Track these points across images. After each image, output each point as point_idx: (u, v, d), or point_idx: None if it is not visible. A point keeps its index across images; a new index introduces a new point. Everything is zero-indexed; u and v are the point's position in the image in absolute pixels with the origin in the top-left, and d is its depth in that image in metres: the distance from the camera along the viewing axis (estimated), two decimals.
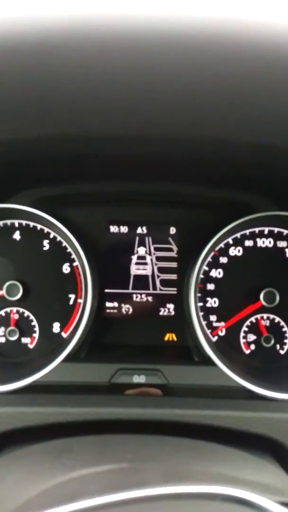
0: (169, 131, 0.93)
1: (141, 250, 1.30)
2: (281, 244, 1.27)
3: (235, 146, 0.98)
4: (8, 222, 1.23)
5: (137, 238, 1.30)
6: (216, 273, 1.26)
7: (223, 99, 0.76)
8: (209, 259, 1.25)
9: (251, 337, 1.26)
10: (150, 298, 1.30)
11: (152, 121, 0.88)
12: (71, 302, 1.24)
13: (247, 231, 1.26)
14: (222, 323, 1.26)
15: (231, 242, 1.26)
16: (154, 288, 1.30)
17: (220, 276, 1.26)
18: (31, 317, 1.23)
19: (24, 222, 1.24)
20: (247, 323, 1.26)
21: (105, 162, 1.13)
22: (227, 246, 1.26)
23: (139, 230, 1.30)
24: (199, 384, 1.09)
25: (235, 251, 1.27)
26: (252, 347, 1.25)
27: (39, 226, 1.24)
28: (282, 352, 1.26)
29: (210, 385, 1.09)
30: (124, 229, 1.30)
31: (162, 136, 0.96)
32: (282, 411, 1.00)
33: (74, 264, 1.23)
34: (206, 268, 1.25)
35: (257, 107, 0.79)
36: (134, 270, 1.30)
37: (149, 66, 0.67)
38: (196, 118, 0.86)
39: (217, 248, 1.25)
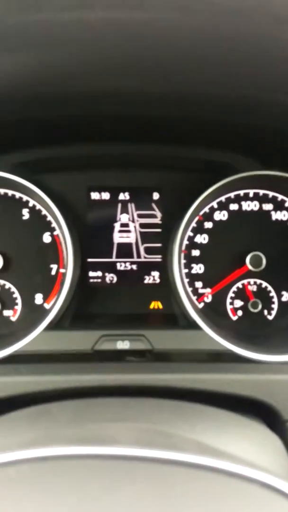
0: (153, 88, 0.89)
1: (124, 217, 1.26)
2: (267, 206, 1.25)
3: (222, 103, 0.95)
4: None
5: (119, 205, 1.26)
6: (201, 238, 1.24)
7: (210, 54, 0.72)
8: (193, 224, 1.22)
9: (238, 303, 1.24)
10: (134, 267, 1.27)
11: (136, 78, 0.84)
12: (53, 272, 1.21)
13: (232, 194, 1.23)
14: (208, 290, 1.23)
15: (215, 206, 1.23)
16: (138, 256, 1.27)
17: (205, 241, 1.24)
18: (13, 289, 1.20)
19: (2, 191, 1.19)
20: (234, 288, 1.24)
21: (84, 124, 1.10)
22: (212, 210, 1.23)
23: (121, 197, 1.26)
24: (184, 348, 1.07)
25: (220, 215, 1.24)
26: (240, 313, 1.24)
27: (17, 195, 1.20)
28: (270, 317, 1.24)
29: (196, 349, 1.07)
30: (105, 195, 1.26)
31: (146, 94, 0.93)
32: (268, 373, 0.99)
33: (55, 233, 1.19)
34: (191, 234, 1.22)
35: (243, 61, 0.76)
36: (117, 238, 1.26)
37: (131, 22, 0.63)
38: (181, 74, 0.82)
39: (201, 213, 1.22)
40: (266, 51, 0.72)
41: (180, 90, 0.90)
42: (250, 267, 1.20)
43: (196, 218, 1.22)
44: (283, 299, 1.25)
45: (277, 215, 1.24)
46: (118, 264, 1.27)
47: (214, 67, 0.78)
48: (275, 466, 0.74)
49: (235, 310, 1.24)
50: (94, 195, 1.26)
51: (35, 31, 0.66)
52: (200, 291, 1.23)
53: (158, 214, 1.27)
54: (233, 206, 1.24)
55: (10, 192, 1.20)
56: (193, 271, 1.24)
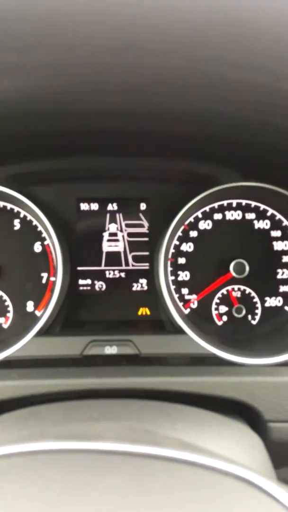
0: (142, 104, 0.94)
1: (112, 227, 1.31)
2: (250, 216, 1.30)
3: (208, 119, 0.99)
4: None
5: (107, 215, 1.31)
6: (187, 247, 1.28)
7: (194, 72, 0.77)
8: (179, 233, 1.27)
9: (223, 309, 1.29)
10: (122, 274, 1.32)
11: (125, 94, 0.88)
12: (44, 280, 1.25)
13: (216, 204, 1.28)
14: (194, 296, 1.28)
15: (200, 215, 1.28)
16: (127, 264, 1.31)
17: (191, 249, 1.28)
18: (5, 297, 1.24)
19: None
20: (219, 294, 1.29)
21: (73, 138, 1.14)
22: (197, 220, 1.28)
23: (109, 207, 1.31)
24: (170, 352, 1.11)
25: (204, 225, 1.29)
26: (225, 318, 1.28)
27: (9, 206, 1.24)
28: (253, 322, 1.29)
29: (181, 353, 1.11)
30: (94, 206, 1.31)
31: (134, 110, 0.97)
32: (250, 375, 1.03)
33: (45, 242, 1.24)
34: (177, 243, 1.27)
35: (230, 79, 0.80)
36: (106, 247, 1.31)
37: (118, 33, 0.67)
38: (166, 91, 0.87)
39: (186, 222, 1.27)
40: (255, 76, 0.76)
41: (168, 108, 0.95)
42: (234, 274, 1.25)
43: (182, 227, 1.26)
44: (266, 304, 1.29)
45: (259, 224, 1.30)
46: (107, 272, 1.31)
47: (201, 86, 0.82)
48: (253, 462, 0.78)
49: (220, 315, 1.28)
50: (83, 206, 1.31)
51: (28, 52, 0.70)
52: (186, 297, 1.28)
53: (145, 223, 1.32)
54: (217, 216, 1.29)
55: (1, 204, 1.24)
56: (180, 278, 1.28)
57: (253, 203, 1.29)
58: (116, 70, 0.77)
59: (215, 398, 1.01)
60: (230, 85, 0.81)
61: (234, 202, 1.29)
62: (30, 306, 1.24)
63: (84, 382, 0.97)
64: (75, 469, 0.53)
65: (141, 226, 1.32)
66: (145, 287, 1.32)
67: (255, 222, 1.30)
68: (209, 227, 1.29)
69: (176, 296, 1.25)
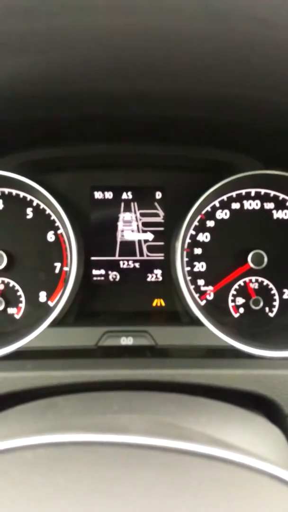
0: (156, 87, 0.91)
1: (127, 216, 1.28)
2: (268, 205, 1.26)
3: (225, 103, 0.96)
4: None
5: (122, 204, 1.28)
6: (203, 237, 1.25)
7: (214, 55, 0.73)
8: (196, 223, 1.23)
9: (240, 300, 1.25)
10: (137, 265, 1.29)
11: (140, 77, 0.85)
12: (57, 270, 1.22)
13: (234, 193, 1.24)
14: (210, 287, 1.25)
15: (217, 205, 1.24)
16: (141, 254, 1.28)
17: (208, 240, 1.25)
18: (17, 287, 1.22)
19: (6, 190, 1.21)
20: (236, 286, 1.25)
21: (88, 124, 1.11)
22: (214, 209, 1.25)
23: (124, 196, 1.28)
24: (187, 344, 1.08)
25: (222, 214, 1.25)
26: (241, 310, 1.25)
27: (22, 194, 1.21)
28: (271, 314, 1.26)
29: (199, 345, 1.08)
30: (108, 195, 1.28)
31: (149, 94, 0.94)
32: (270, 368, 1.00)
33: (59, 232, 1.21)
34: (193, 232, 1.23)
35: (248, 62, 0.77)
36: (120, 236, 1.28)
37: (138, 21, 0.64)
38: (185, 75, 0.84)
39: (203, 212, 1.24)
40: (271, 53, 0.73)
41: (184, 90, 0.92)
42: (251, 265, 1.21)
43: (199, 217, 1.23)
44: (285, 296, 1.26)
45: (278, 214, 1.26)
46: (121, 262, 1.28)
47: (219, 67, 0.79)
48: (277, 457, 0.75)
49: (237, 307, 1.25)
50: (98, 195, 1.28)
51: (40, 35, 0.68)
52: (203, 288, 1.25)
53: (161, 213, 1.29)
54: (235, 205, 1.25)
55: (14, 192, 1.21)
56: (196, 269, 1.25)
57: (272, 192, 1.25)
58: (131, 51, 0.74)
59: (233, 391, 0.98)
60: (250, 65, 0.78)
61: (253, 191, 1.25)
62: (42, 296, 1.21)
63: (99, 374, 0.94)
64: (105, 463, 0.51)
65: (157, 215, 1.29)
66: (160, 278, 1.29)
67: (274, 211, 1.26)
68: (226, 217, 1.25)
69: (192, 287, 1.22)
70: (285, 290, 1.26)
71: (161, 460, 0.53)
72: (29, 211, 1.22)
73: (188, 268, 1.22)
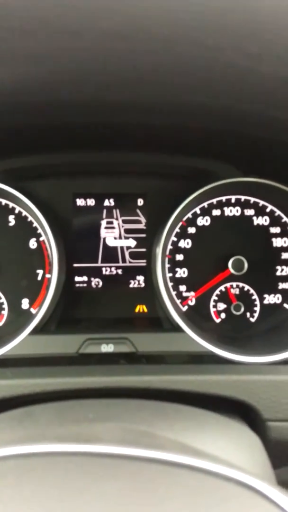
0: (138, 96, 0.92)
1: (109, 223, 1.29)
2: (249, 212, 1.28)
3: (206, 112, 0.97)
4: None
5: (104, 211, 1.29)
6: (185, 243, 1.27)
7: (200, 63, 0.75)
8: (177, 229, 1.25)
9: (221, 306, 1.27)
10: (120, 271, 1.30)
11: (122, 86, 0.86)
12: (39, 277, 1.23)
13: (214, 200, 1.26)
14: (192, 293, 1.26)
15: (198, 212, 1.26)
16: (124, 260, 1.29)
17: (189, 246, 1.27)
18: None
19: None
20: (217, 292, 1.27)
21: (70, 132, 1.12)
22: (195, 216, 1.26)
23: (106, 203, 1.29)
24: (167, 350, 1.09)
25: (203, 221, 1.27)
26: (223, 315, 1.27)
27: (3, 202, 1.22)
28: (252, 319, 1.27)
29: (179, 352, 1.09)
30: (91, 202, 1.28)
31: (132, 103, 0.95)
32: (248, 373, 1.02)
33: (41, 239, 1.22)
34: (175, 239, 1.25)
35: (228, 74, 0.78)
36: (103, 243, 1.29)
37: (125, 27, 0.65)
38: (165, 83, 0.85)
39: (184, 218, 1.25)
40: (252, 67, 0.75)
41: (164, 99, 0.93)
42: (232, 271, 1.23)
43: (180, 224, 1.25)
44: (265, 302, 1.28)
45: (258, 220, 1.28)
46: (103, 269, 1.29)
47: (202, 77, 0.81)
48: (252, 463, 0.76)
49: (218, 312, 1.27)
50: (80, 201, 1.28)
51: (25, 47, 0.69)
52: (184, 294, 1.26)
53: (143, 219, 1.30)
54: (216, 212, 1.27)
55: None
56: (177, 275, 1.26)
57: (252, 199, 1.27)
58: (116, 58, 0.75)
59: (213, 396, 0.99)
60: (231, 76, 0.80)
61: (233, 198, 1.27)
62: (25, 303, 1.22)
63: (80, 381, 0.95)
64: (73, 472, 0.51)
65: (139, 222, 1.30)
66: (142, 284, 1.30)
67: (254, 218, 1.28)
68: (207, 223, 1.27)
69: (173, 293, 1.23)
70: (265, 295, 1.28)
71: (131, 469, 0.54)
72: (11, 218, 1.23)
73: (170, 274, 1.24)
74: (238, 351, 1.09)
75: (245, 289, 1.27)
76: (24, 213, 1.22)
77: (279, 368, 1.06)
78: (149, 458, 0.56)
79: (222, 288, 1.27)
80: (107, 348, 1.07)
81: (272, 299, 1.28)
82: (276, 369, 1.06)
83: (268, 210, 1.27)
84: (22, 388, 0.93)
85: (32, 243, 1.23)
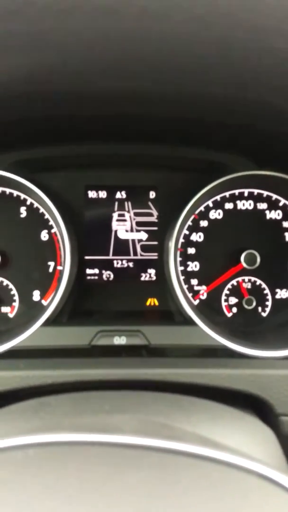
0: (149, 87, 0.91)
1: (121, 215, 1.28)
2: (261, 206, 1.27)
3: (220, 104, 0.96)
4: None
5: (116, 203, 1.28)
6: (197, 236, 1.26)
7: (212, 55, 0.74)
8: (189, 223, 1.24)
9: (233, 300, 1.26)
10: (131, 264, 1.29)
11: (133, 77, 0.86)
12: (50, 269, 1.22)
13: (227, 194, 1.25)
14: (204, 287, 1.25)
15: (211, 205, 1.25)
16: (135, 253, 1.29)
17: (201, 239, 1.26)
18: (11, 286, 1.22)
19: (0, 189, 1.21)
20: (229, 286, 1.26)
21: (81, 123, 1.11)
22: (207, 209, 1.25)
23: (118, 195, 1.28)
24: (180, 344, 1.09)
25: (215, 214, 1.26)
26: (234, 310, 1.26)
27: (15, 193, 1.21)
28: (264, 314, 1.26)
29: (192, 345, 1.09)
30: (102, 194, 1.28)
31: (145, 94, 0.94)
32: (262, 368, 1.01)
33: (52, 231, 1.21)
34: (187, 232, 1.24)
35: (245, 62, 0.77)
36: (114, 236, 1.28)
37: (136, 18, 0.64)
38: (182, 75, 0.84)
39: (197, 212, 1.24)
40: (268, 53, 0.73)
41: (180, 90, 0.92)
42: (244, 265, 1.22)
43: (192, 217, 1.24)
44: (277, 296, 1.27)
45: (271, 214, 1.27)
46: (115, 262, 1.28)
47: (215, 68, 0.80)
48: (268, 457, 0.76)
49: (229, 307, 1.26)
50: (91, 194, 1.28)
51: (31, 35, 0.68)
52: (196, 288, 1.25)
53: (155, 212, 1.29)
54: (228, 205, 1.26)
55: (8, 191, 1.21)
56: (189, 269, 1.25)
57: (265, 193, 1.26)
58: (124, 50, 0.74)
59: (225, 390, 0.98)
60: (246, 65, 0.79)
61: (246, 192, 1.25)
62: (36, 295, 1.22)
63: (92, 373, 0.94)
64: (94, 463, 0.51)
65: (150, 215, 1.29)
66: (154, 277, 1.30)
67: (267, 212, 1.26)
68: (219, 217, 1.26)
69: (185, 286, 1.22)
70: (277, 290, 1.27)
71: (152, 460, 0.54)
72: (22, 210, 1.22)
73: (182, 268, 1.23)
74: (250, 345, 1.08)
75: (257, 283, 1.26)
76: (36, 204, 1.21)
77: None
78: (170, 449, 0.55)
79: (234, 282, 1.26)
80: (120, 340, 1.06)
81: (284, 294, 1.27)
82: None
83: (281, 204, 1.26)
84: (34, 379, 0.93)
85: (44, 235, 1.22)
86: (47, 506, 0.44)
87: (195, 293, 1.25)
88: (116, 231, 1.28)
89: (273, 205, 1.26)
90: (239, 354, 1.07)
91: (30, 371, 0.94)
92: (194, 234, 1.25)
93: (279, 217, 1.27)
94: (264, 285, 1.26)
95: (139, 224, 1.28)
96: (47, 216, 1.21)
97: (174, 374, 0.97)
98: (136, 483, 0.50)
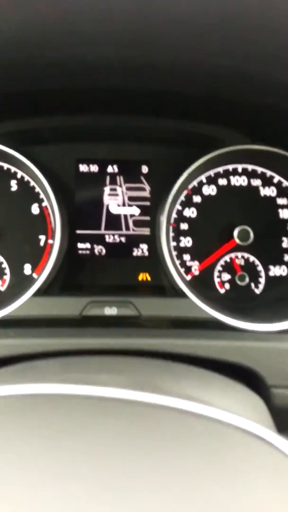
0: (141, 57, 0.89)
1: (113, 190, 1.27)
2: (256, 182, 1.26)
3: (212, 76, 0.95)
4: None
5: (108, 177, 1.26)
6: (190, 212, 1.24)
7: (205, 24, 0.72)
8: (182, 198, 1.23)
9: (226, 276, 1.25)
10: (123, 239, 1.28)
11: (124, 45, 0.84)
12: (41, 243, 1.21)
13: (221, 169, 1.24)
14: (196, 263, 1.24)
15: (204, 180, 1.24)
16: (127, 228, 1.27)
17: (194, 215, 1.25)
18: (1, 259, 1.20)
19: None
20: (222, 262, 1.25)
21: (73, 95, 1.09)
22: (201, 184, 1.24)
23: (109, 169, 1.26)
24: (171, 315, 1.08)
25: (208, 190, 1.24)
26: (227, 286, 1.25)
27: (6, 166, 1.20)
28: (257, 291, 1.26)
29: (183, 317, 1.08)
30: (94, 168, 1.26)
31: (136, 65, 0.93)
32: (254, 340, 1.01)
33: (43, 204, 1.20)
34: (180, 208, 1.23)
35: (237, 33, 0.76)
36: (106, 210, 1.27)
37: None
38: (173, 44, 0.82)
39: (190, 187, 1.23)
40: (260, 24, 0.72)
41: (169, 62, 0.91)
42: (237, 241, 1.21)
43: (185, 192, 1.22)
44: (271, 273, 1.26)
45: (265, 191, 1.25)
46: (107, 236, 1.27)
47: (214, 38, 0.78)
48: (257, 421, 0.75)
49: (222, 283, 1.25)
50: (83, 167, 1.26)
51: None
52: (188, 264, 1.24)
53: (147, 187, 1.28)
54: (222, 181, 1.25)
55: None
56: (182, 244, 1.24)
57: (260, 169, 1.25)
58: (116, 16, 0.73)
59: (216, 362, 0.98)
60: (238, 33, 0.77)
61: (240, 167, 1.24)
62: (27, 269, 1.20)
63: (83, 342, 0.93)
64: (78, 413, 0.50)
65: (143, 189, 1.27)
66: (146, 253, 1.28)
67: (261, 188, 1.25)
68: (213, 193, 1.25)
69: (177, 262, 1.21)
70: (271, 267, 1.26)
71: (137, 412, 0.53)
72: (13, 183, 1.21)
73: (174, 243, 1.22)
74: (243, 319, 1.07)
75: (250, 260, 1.26)
76: (27, 178, 1.20)
77: (285, 336, 1.05)
78: (155, 404, 0.55)
79: (227, 258, 1.25)
80: (110, 311, 1.05)
81: (277, 271, 1.26)
82: (282, 337, 1.05)
83: (275, 180, 1.25)
84: (24, 347, 0.92)
85: (35, 209, 1.21)
86: (29, 454, 0.43)
87: (188, 269, 1.24)
88: (108, 206, 1.27)
89: (267, 182, 1.25)
90: (230, 327, 1.06)
91: (20, 339, 0.93)
92: (187, 209, 1.24)
93: (273, 194, 1.25)
94: (257, 262, 1.25)
95: (131, 199, 1.27)
96: (37, 189, 1.19)
97: (166, 344, 0.96)
98: (119, 432, 0.49)
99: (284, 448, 0.52)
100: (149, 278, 1.28)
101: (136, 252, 1.28)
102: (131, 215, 1.28)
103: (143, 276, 1.29)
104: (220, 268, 1.25)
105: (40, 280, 1.07)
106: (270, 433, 0.55)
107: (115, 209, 1.27)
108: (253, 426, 0.56)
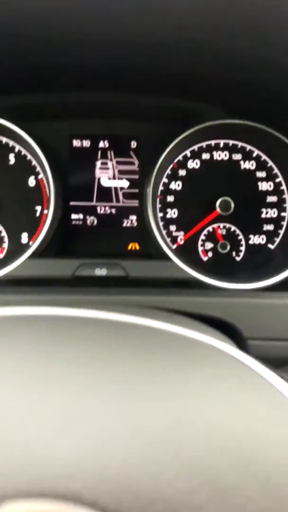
0: (134, 34, 0.96)
1: (104, 164, 1.35)
2: (236, 156, 1.35)
3: (197, 53, 1.02)
4: None
5: (99, 152, 1.35)
6: (176, 185, 1.34)
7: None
8: (168, 171, 1.32)
9: (209, 245, 1.34)
10: (113, 210, 1.37)
11: (112, 21, 0.90)
12: (37, 214, 1.30)
13: (204, 144, 1.33)
14: (182, 233, 1.34)
15: (189, 155, 1.33)
16: (117, 200, 1.36)
17: (179, 188, 1.34)
18: (0, 228, 1.29)
19: None
20: (205, 232, 1.34)
21: (65, 72, 1.16)
22: (185, 159, 1.33)
23: (101, 144, 1.35)
24: (157, 276, 1.17)
25: (193, 164, 1.33)
26: (210, 254, 1.34)
27: (4, 140, 1.28)
28: (238, 258, 1.35)
29: (168, 277, 1.17)
30: (86, 143, 1.35)
31: (126, 43, 0.99)
32: (232, 296, 1.10)
33: (39, 177, 1.28)
34: (166, 181, 1.32)
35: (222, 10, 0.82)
36: (97, 183, 1.36)
37: None
38: (159, 21, 0.89)
39: (175, 161, 1.32)
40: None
41: (154, 37, 0.97)
42: (219, 211, 1.30)
43: (171, 166, 1.31)
44: (250, 242, 1.35)
45: (245, 165, 1.35)
46: (98, 208, 1.36)
47: (200, 13, 0.85)
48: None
49: (206, 251, 1.34)
50: (76, 142, 1.35)
51: None
52: (174, 234, 1.34)
53: (136, 161, 1.36)
54: (205, 156, 1.34)
55: None
56: (168, 216, 1.34)
57: (240, 144, 1.34)
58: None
59: (197, 317, 1.07)
60: (219, 9, 0.84)
61: (222, 142, 1.33)
62: (24, 237, 1.29)
63: (74, 299, 1.03)
64: (49, 333, 0.58)
65: (132, 163, 1.36)
66: (135, 224, 1.37)
67: (242, 162, 1.35)
68: (197, 166, 1.34)
69: (164, 232, 1.30)
70: (251, 236, 1.35)
71: (113, 331, 0.62)
72: (11, 157, 1.29)
73: (161, 215, 1.31)
74: (223, 279, 1.17)
75: (232, 229, 1.35)
76: (24, 152, 1.28)
77: (261, 293, 1.15)
78: (132, 324, 0.64)
79: (210, 228, 1.35)
80: (101, 272, 1.14)
81: (257, 239, 1.36)
82: (258, 294, 1.15)
83: (255, 154, 1.34)
84: (20, 303, 1.00)
85: (31, 181, 1.29)
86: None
87: (174, 239, 1.33)
88: (99, 179, 1.35)
89: (247, 156, 1.34)
90: (212, 286, 1.16)
91: (17, 295, 1.02)
92: (173, 182, 1.33)
93: (253, 167, 1.35)
94: (238, 231, 1.35)
95: (121, 172, 1.36)
96: (34, 163, 1.28)
97: (151, 301, 1.06)
98: (96, 350, 0.56)
99: (247, 359, 0.61)
100: (138, 248, 1.38)
101: (126, 223, 1.37)
102: (121, 188, 1.36)
103: (133, 246, 1.38)
104: (204, 238, 1.34)
105: (35, 245, 1.16)
106: (235, 349, 0.64)
107: (106, 182, 1.36)
108: (223, 344, 0.66)
